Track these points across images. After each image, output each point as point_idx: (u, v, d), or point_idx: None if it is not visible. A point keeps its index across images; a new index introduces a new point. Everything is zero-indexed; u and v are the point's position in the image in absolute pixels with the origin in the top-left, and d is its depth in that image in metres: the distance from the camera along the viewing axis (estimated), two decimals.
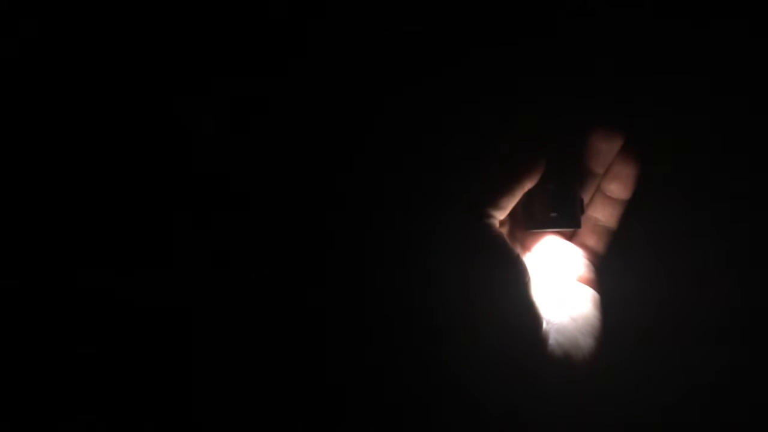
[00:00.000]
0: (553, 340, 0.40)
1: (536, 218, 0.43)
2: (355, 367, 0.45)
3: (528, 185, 0.41)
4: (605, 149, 0.42)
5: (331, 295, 0.48)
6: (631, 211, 0.44)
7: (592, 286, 0.44)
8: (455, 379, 0.39)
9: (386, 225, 0.48)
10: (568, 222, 0.43)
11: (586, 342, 0.40)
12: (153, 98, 0.50)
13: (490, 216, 0.41)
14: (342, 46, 0.50)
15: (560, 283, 0.43)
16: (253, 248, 0.49)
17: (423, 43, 0.49)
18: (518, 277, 0.40)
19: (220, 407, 0.47)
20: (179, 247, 0.49)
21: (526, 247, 0.45)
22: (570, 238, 0.45)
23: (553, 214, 0.42)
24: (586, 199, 0.44)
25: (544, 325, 0.40)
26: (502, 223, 0.42)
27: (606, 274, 0.44)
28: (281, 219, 0.49)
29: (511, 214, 0.43)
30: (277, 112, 0.50)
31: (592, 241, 0.45)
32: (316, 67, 0.50)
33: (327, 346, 0.47)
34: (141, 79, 0.50)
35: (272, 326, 0.48)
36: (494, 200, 0.41)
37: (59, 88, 0.50)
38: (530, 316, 0.39)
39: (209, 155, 0.50)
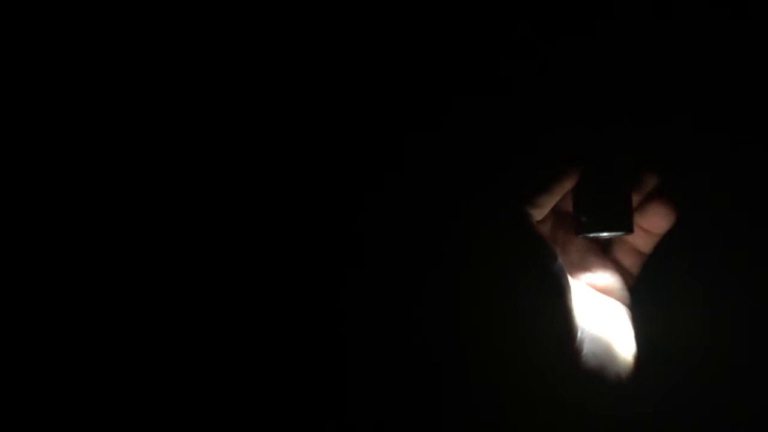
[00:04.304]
0: (587, 350, 0.38)
1: (584, 222, 0.40)
2: (379, 373, 0.43)
3: (568, 182, 0.40)
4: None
5: (357, 297, 0.46)
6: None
7: (624, 303, 0.42)
8: (487, 379, 0.38)
9: (417, 225, 0.47)
10: (619, 226, 0.40)
11: (621, 357, 0.39)
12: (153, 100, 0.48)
13: (527, 215, 0.39)
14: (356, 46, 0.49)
15: (595, 295, 0.42)
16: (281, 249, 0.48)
17: (455, 39, 0.48)
18: (556, 283, 0.38)
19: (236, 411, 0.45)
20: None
21: (566, 253, 0.43)
22: (606, 253, 0.44)
23: (602, 218, 0.40)
24: None
25: (579, 334, 0.38)
26: (543, 224, 0.41)
27: (637, 291, 0.43)
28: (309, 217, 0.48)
29: (558, 217, 0.42)
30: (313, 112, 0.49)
31: (628, 261, 0.43)
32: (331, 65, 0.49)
33: (347, 349, 0.45)
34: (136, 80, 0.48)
35: (296, 327, 0.46)
36: (531, 197, 0.39)
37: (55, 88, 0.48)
38: (566, 324, 0.38)
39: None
